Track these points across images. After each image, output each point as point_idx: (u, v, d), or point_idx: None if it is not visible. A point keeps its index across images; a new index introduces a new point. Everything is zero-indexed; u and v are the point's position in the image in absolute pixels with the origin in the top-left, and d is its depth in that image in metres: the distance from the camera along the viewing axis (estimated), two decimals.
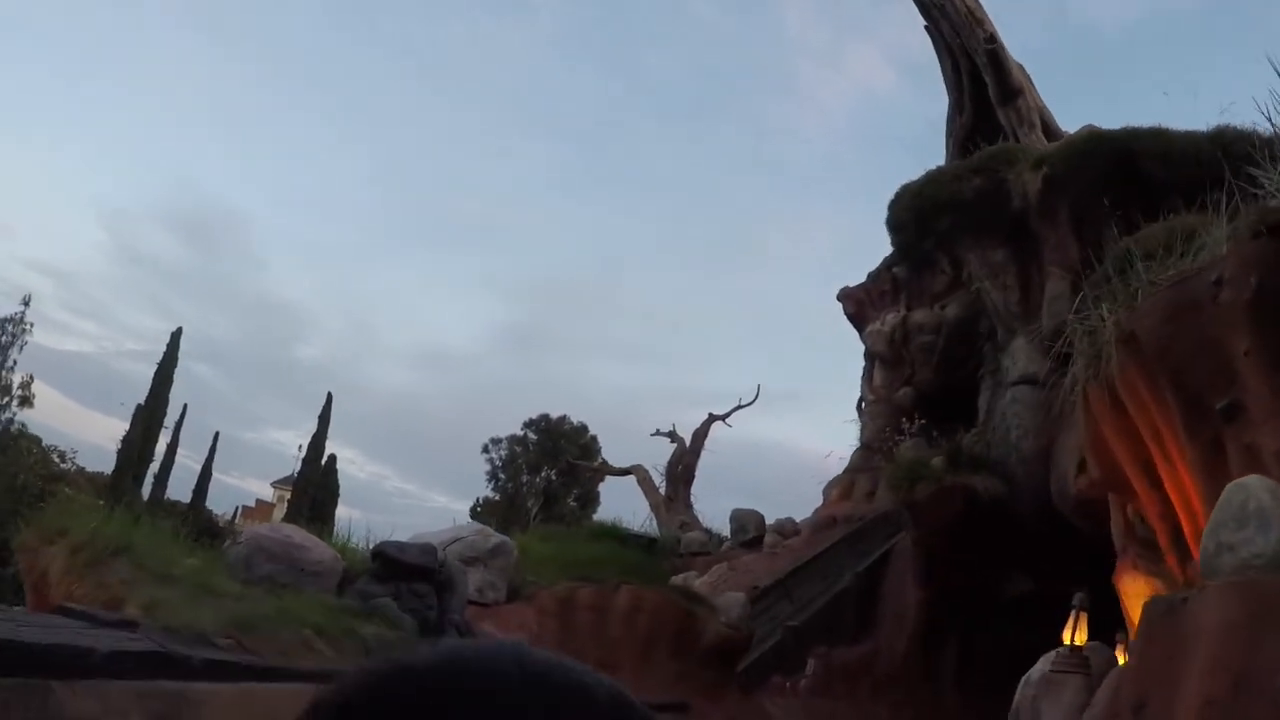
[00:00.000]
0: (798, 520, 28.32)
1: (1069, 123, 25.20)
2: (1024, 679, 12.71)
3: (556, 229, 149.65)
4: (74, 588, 10.43)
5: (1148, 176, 18.74)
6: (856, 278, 29.90)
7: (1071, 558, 19.39)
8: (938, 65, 27.74)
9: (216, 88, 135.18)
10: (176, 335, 47.77)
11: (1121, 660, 12.80)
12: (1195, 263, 13.23)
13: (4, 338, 44.45)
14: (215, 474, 50.41)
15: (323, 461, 49.19)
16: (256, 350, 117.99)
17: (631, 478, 33.79)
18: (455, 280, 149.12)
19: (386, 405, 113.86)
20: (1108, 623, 18.88)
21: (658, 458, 33.02)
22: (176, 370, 47.15)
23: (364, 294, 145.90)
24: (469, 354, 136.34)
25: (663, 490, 32.19)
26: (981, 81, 25.82)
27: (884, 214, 23.59)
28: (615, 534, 28.07)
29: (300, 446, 49.88)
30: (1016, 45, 26.10)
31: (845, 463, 29.08)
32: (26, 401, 45.04)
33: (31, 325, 45.38)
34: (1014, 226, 20.94)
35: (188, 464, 50.66)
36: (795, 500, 32.84)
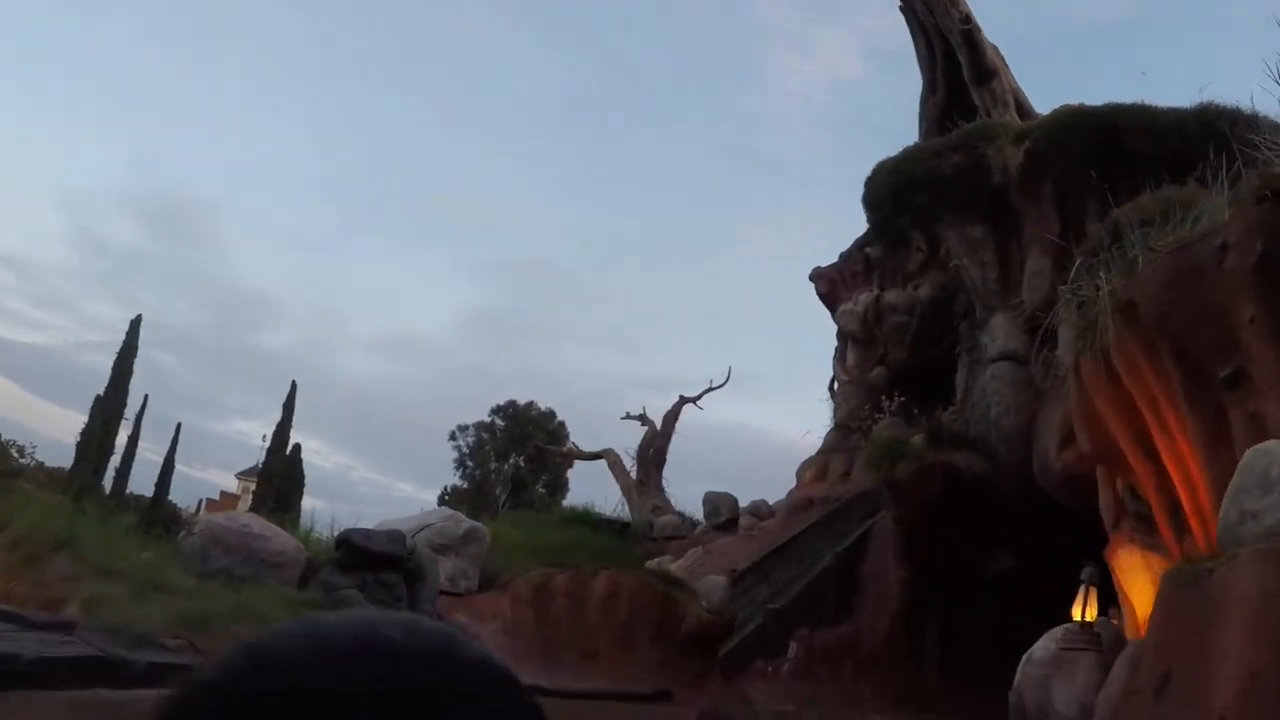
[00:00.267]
0: (771, 503, 27.52)
1: (1043, 105, 24.46)
2: (1025, 658, 11.93)
3: (526, 214, 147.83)
4: (12, 585, 9.39)
5: (1132, 151, 18.05)
6: (828, 261, 29.15)
7: (1054, 534, 18.73)
8: (908, 51, 26.99)
9: (179, 70, 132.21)
10: (136, 323, 45.84)
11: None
12: (1196, 229, 12.53)
13: None
14: (178, 466, 48.57)
15: (288, 451, 47.80)
16: (221, 339, 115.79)
17: (601, 462, 32.88)
18: (423, 266, 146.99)
19: (353, 394, 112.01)
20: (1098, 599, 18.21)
21: (628, 442, 32.17)
22: (138, 360, 45.49)
23: (331, 280, 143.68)
24: (436, 341, 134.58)
25: (634, 474, 31.29)
26: (956, 62, 25.04)
27: (855, 200, 22.80)
28: (587, 519, 27.19)
29: (265, 436, 48.44)
30: (991, 27, 25.24)
31: (819, 444, 28.29)
32: None
33: None
34: (993, 202, 20.19)
35: (150, 457, 49.13)
36: (767, 484, 32.12)
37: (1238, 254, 11.58)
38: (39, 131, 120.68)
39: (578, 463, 38.60)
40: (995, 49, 25.11)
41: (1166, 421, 12.92)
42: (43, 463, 46.81)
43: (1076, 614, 11.34)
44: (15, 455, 45.93)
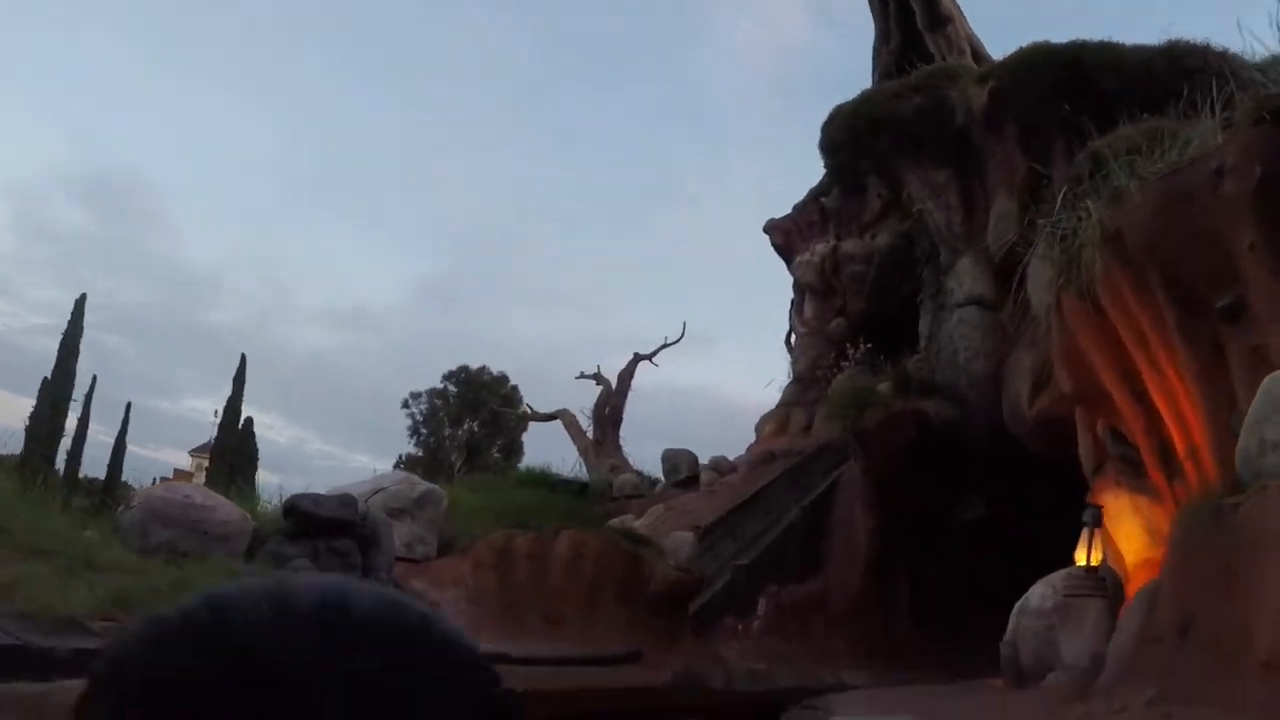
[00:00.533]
0: (732, 459, 26.67)
1: (998, 52, 23.57)
2: (1018, 608, 11.15)
3: (472, 180, 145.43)
4: None
5: (1099, 89, 17.31)
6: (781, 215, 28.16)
7: (1025, 481, 18.11)
8: (858, 6, 25.99)
9: (112, 49, 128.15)
10: (80, 302, 44.11)
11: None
12: (1187, 156, 11.72)
13: None
14: (131, 446, 47.06)
15: (240, 425, 46.39)
16: (170, 318, 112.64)
17: (557, 425, 31.81)
18: (371, 237, 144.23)
19: (304, 367, 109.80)
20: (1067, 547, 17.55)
21: (583, 403, 31.10)
22: (88, 343, 43.60)
23: (278, 255, 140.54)
24: (387, 310, 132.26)
25: (590, 434, 30.26)
26: (909, 9, 24.10)
27: (805, 157, 21.91)
28: (545, 480, 26.18)
29: (216, 412, 46.91)
30: None
31: (778, 398, 27.47)
32: None
33: None
34: (956, 145, 19.37)
35: (103, 439, 47.43)
36: (724, 443, 31.11)
37: (1235, 178, 10.86)
38: None
39: (533, 426, 37.55)
40: None
41: (1156, 358, 12.19)
42: None
43: (1080, 558, 10.53)
44: None
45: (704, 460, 27.47)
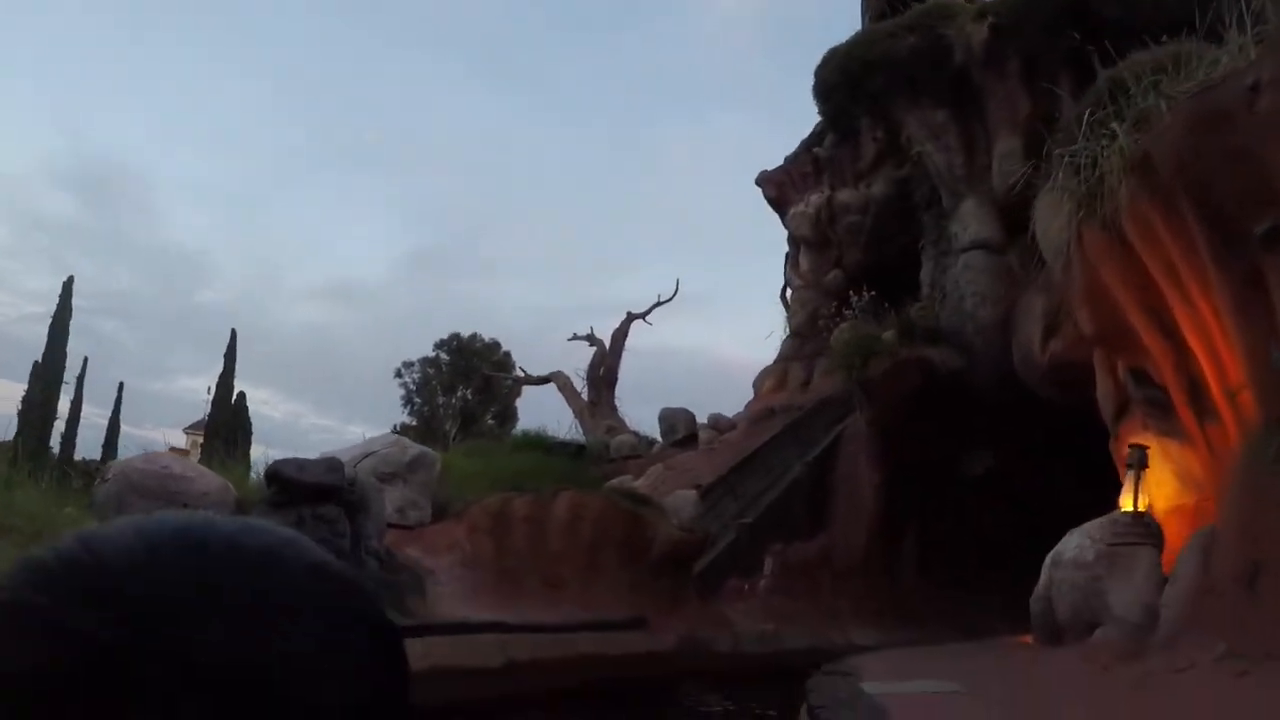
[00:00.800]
0: (730, 416, 25.78)
1: None
2: (1051, 560, 10.25)
3: (458, 148, 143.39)
4: None
5: (1102, 20, 16.25)
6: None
7: (1034, 430, 17.19)
8: None
9: (95, 38, 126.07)
10: (69, 285, 43.03)
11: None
12: (1217, 73, 10.75)
13: None
14: (126, 427, 46.07)
15: (233, 400, 45.39)
16: (160, 300, 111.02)
17: (551, 389, 30.87)
18: (358, 209, 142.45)
19: (297, 343, 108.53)
20: (1078, 498, 16.70)
21: (577, 366, 30.14)
22: (80, 327, 42.50)
23: (265, 232, 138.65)
24: (376, 282, 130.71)
25: (585, 396, 29.33)
26: None
27: (791, 113, 20.88)
28: (541, 443, 25.26)
29: (209, 388, 45.87)
30: None
31: (775, 354, 26.56)
32: None
33: None
34: (955, 84, 18.35)
35: (97, 421, 46.34)
36: (719, 403, 30.31)
37: (1273, 93, 9.85)
38: None
39: (526, 391, 36.69)
40: None
41: (1188, 291, 11.26)
42: None
43: (1126, 502, 9.59)
44: None
45: (702, 419, 26.59)
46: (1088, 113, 11.61)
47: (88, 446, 43.19)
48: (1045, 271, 16.27)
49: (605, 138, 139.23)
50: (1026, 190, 16.78)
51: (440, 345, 44.10)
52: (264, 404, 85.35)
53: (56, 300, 42.55)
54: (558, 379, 29.65)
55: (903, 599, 17.82)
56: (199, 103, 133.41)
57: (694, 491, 17.51)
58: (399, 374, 43.99)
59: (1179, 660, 7.03)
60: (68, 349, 43.11)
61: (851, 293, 19.39)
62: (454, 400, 44.07)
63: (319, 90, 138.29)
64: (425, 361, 44.21)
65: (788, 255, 26.85)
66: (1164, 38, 13.40)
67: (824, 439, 20.24)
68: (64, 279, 43.17)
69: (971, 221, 18.00)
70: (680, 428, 26.42)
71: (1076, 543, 9.77)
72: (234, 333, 46.09)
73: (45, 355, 42.09)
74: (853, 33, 22.43)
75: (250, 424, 46.08)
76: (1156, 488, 11.92)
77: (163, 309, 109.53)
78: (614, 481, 20.96)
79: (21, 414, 40.67)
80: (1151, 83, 11.33)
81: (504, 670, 11.73)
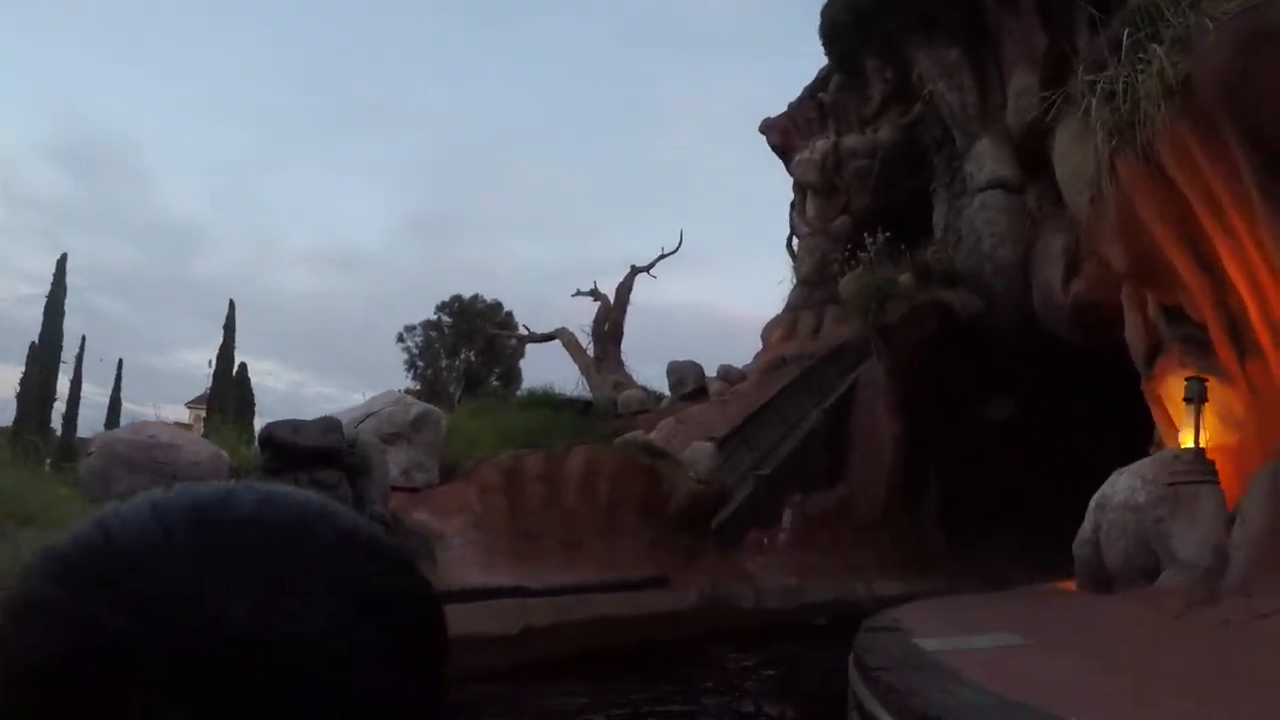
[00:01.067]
0: (740, 367, 25.08)
1: None
2: (1095, 503, 9.63)
3: (457, 108, 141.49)
4: None
5: None
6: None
7: (1054, 373, 16.54)
8: None
9: (82, 10, 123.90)
10: (62, 262, 42.12)
11: None
12: None
13: None
14: (127, 404, 45.49)
15: (234, 372, 44.68)
16: (157, 273, 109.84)
17: (554, 347, 30.12)
18: (355, 173, 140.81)
19: (298, 312, 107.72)
20: (1101, 442, 16.08)
21: (581, 323, 29.35)
22: (77, 306, 41.74)
23: (263, 201, 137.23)
24: (376, 247, 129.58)
25: (590, 352, 28.60)
26: None
27: (790, 64, 19.92)
28: (548, 401, 24.46)
29: (210, 361, 45.12)
30: None
31: (782, 305, 25.84)
32: None
33: None
34: (969, 22, 17.45)
35: (98, 400, 45.72)
36: (725, 357, 29.32)
37: None
38: None
39: (530, 351, 35.96)
40: None
41: (1230, 222, 10.57)
42: None
43: (1187, 439, 8.92)
44: None
45: (709, 372, 25.89)
46: (1127, 33, 10.76)
47: (90, 426, 42.50)
48: (1065, 210, 15.58)
49: (606, 93, 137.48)
50: (1044, 127, 16.04)
51: (442, 308, 43.36)
52: (267, 375, 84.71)
53: (51, 279, 41.78)
54: (562, 335, 28.91)
55: (924, 549, 17.26)
56: (191, 71, 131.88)
57: (711, 443, 16.90)
58: (401, 338, 43.28)
59: (1259, 605, 6.42)
60: (64, 328, 42.38)
61: (866, 235, 18.58)
62: (457, 363, 43.39)
63: (312, 53, 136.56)
64: (427, 325, 43.48)
65: (793, 203, 26.05)
66: None
67: (839, 386, 19.57)
68: (58, 257, 42.28)
69: (987, 161, 17.23)
70: (689, 381, 25.71)
71: (1127, 484, 9.12)
72: (232, 304, 45.37)
73: (42, 335, 41.34)
74: None
75: (253, 395, 45.45)
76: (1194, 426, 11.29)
77: (161, 283, 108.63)
78: (626, 436, 20.32)
79: (20, 396, 39.97)
80: (1191, 2, 10.53)
81: (522, 636, 11.16)
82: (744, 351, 26.40)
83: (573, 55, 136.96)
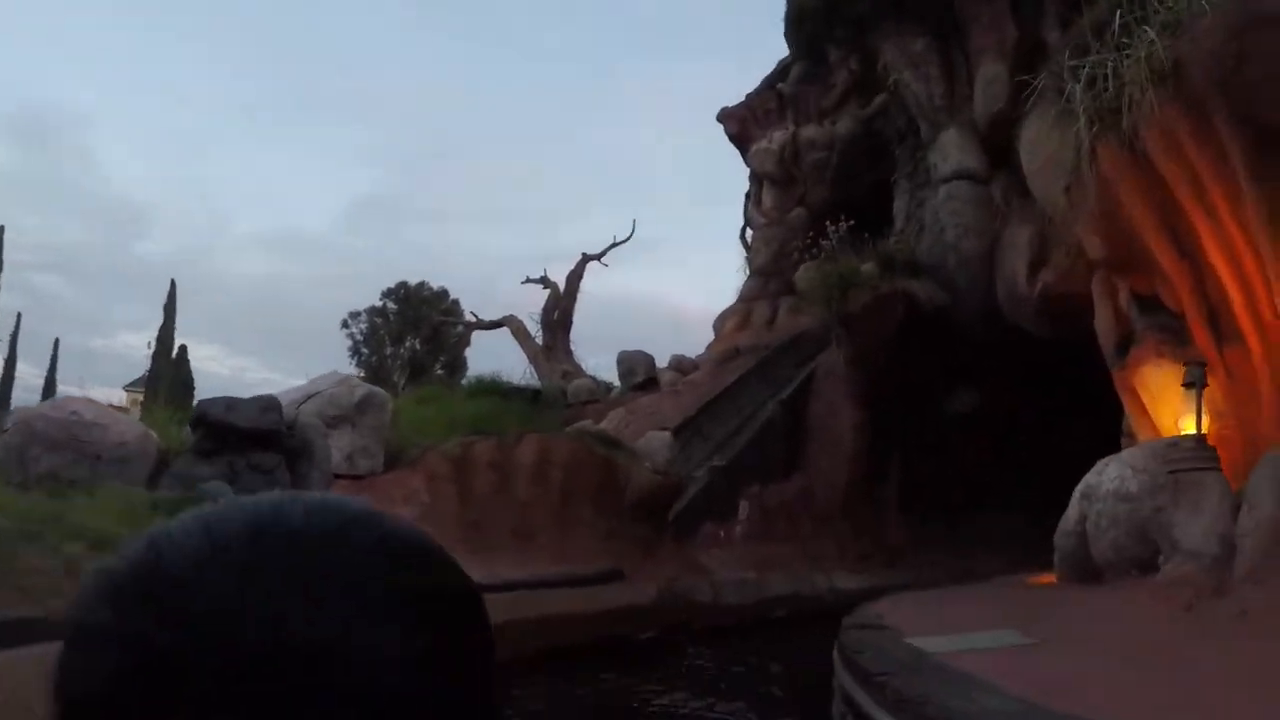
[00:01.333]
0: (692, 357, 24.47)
1: None
2: (1080, 493, 9.21)
3: (408, 92, 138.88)
4: None
5: None
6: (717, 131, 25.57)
7: (1018, 365, 16.13)
8: None
9: None
10: None
11: None
12: None
13: None
14: (62, 386, 43.64)
15: (173, 354, 43.10)
16: (101, 252, 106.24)
17: (501, 336, 29.28)
18: (304, 155, 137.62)
19: (242, 295, 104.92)
20: (1068, 434, 15.75)
21: (531, 311, 28.51)
22: (10, 280, 39.93)
23: (210, 181, 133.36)
24: (323, 231, 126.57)
25: (539, 340, 27.79)
26: None
27: (747, 61, 19.26)
28: (497, 389, 23.64)
29: (149, 343, 43.45)
30: None
31: (735, 296, 25.25)
32: None
33: None
34: (938, 11, 16.99)
35: (33, 381, 43.97)
36: (675, 350, 28.59)
37: None
38: None
39: (476, 341, 35.14)
40: None
41: (1215, 208, 10.19)
42: None
43: (1189, 425, 8.46)
44: None
45: (661, 363, 25.24)
46: (1119, 15, 10.30)
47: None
48: (1032, 201, 15.20)
49: (562, 80, 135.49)
50: (1012, 117, 15.65)
51: (388, 294, 42.23)
52: (209, 360, 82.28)
53: None
54: (510, 323, 28.10)
55: (885, 540, 16.82)
56: (140, 47, 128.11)
57: (666, 433, 16.26)
58: (346, 324, 42.06)
59: (1278, 593, 5.93)
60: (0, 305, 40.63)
61: (828, 223, 18.01)
62: (402, 350, 42.33)
63: (264, 33, 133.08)
64: (372, 311, 42.32)
65: (749, 193, 25.50)
66: None
67: (796, 377, 19.04)
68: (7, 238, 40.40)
69: (953, 151, 16.78)
70: (640, 371, 25.05)
71: (1116, 473, 8.66)
72: (173, 284, 43.76)
73: None
74: None
75: (193, 379, 43.87)
76: (1171, 416, 10.97)
77: (104, 261, 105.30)
78: (577, 425, 19.61)
79: None
80: None
81: None
82: (694, 344, 25.86)
83: (530, 42, 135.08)
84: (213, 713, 0.48)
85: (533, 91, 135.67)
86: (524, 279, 28.74)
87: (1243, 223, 9.93)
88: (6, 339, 41.68)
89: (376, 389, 14.66)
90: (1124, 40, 10.49)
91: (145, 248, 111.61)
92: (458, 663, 0.54)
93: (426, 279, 42.53)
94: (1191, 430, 8.42)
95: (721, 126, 25.16)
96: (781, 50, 23.66)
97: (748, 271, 25.27)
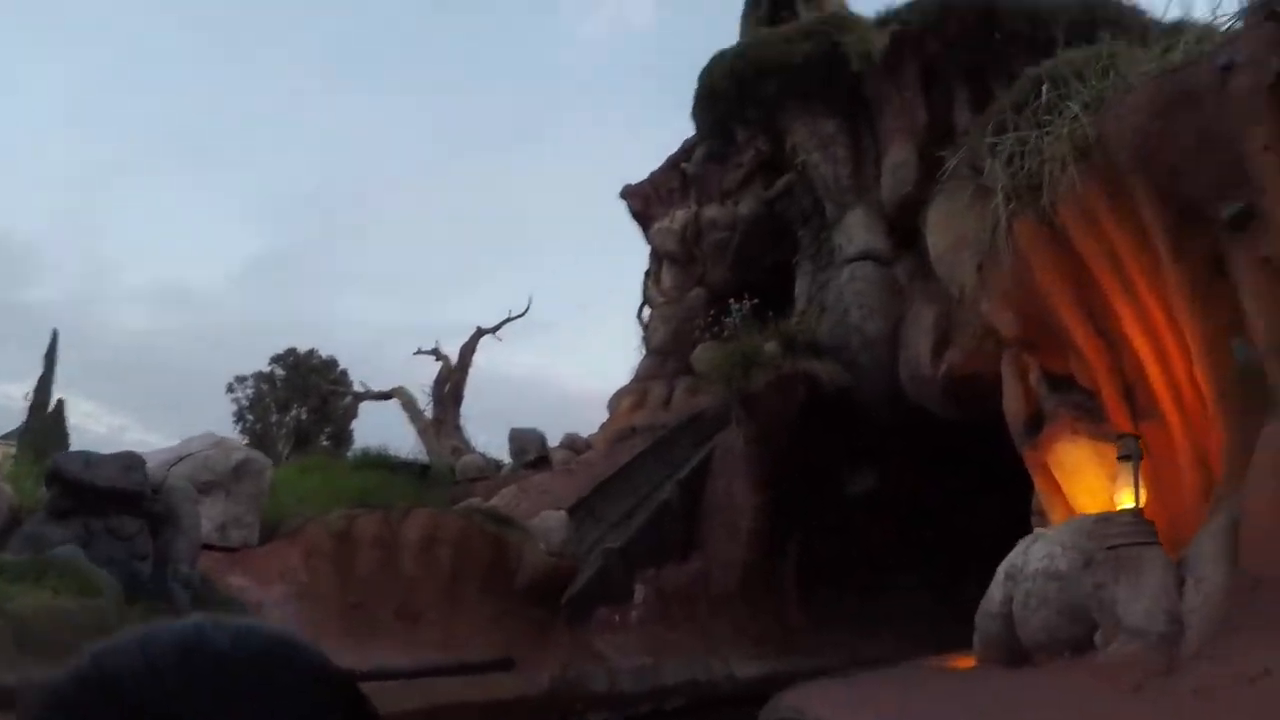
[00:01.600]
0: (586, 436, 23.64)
1: None
2: (1005, 573, 8.72)
3: (305, 154, 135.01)
4: None
5: (1011, 36, 15.23)
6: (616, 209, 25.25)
7: (923, 445, 15.81)
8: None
9: None
10: None
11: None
12: (1183, 57, 9.57)
13: None
14: None
15: (50, 408, 40.55)
16: None
17: (390, 410, 27.96)
18: (203, 207, 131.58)
19: (126, 351, 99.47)
20: (973, 515, 15.42)
21: (422, 383, 27.31)
22: None
23: (100, 227, 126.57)
24: (215, 288, 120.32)
25: (429, 414, 26.64)
26: None
27: (648, 137, 18.93)
28: (384, 462, 22.54)
29: (26, 395, 40.80)
30: None
31: (630, 376, 24.62)
32: None
33: None
34: (849, 93, 16.92)
35: None
36: (569, 428, 27.65)
37: (1250, 73, 8.87)
38: None
39: (363, 413, 33.78)
40: None
41: (1133, 284, 10.02)
42: None
43: (1126, 499, 7.98)
44: None
45: (553, 441, 24.34)
46: (1045, 89, 10.13)
47: None
48: (937, 283, 15.00)
49: (466, 151, 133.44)
50: (919, 200, 15.52)
51: (276, 360, 40.47)
52: (87, 417, 77.89)
53: None
54: (400, 395, 26.89)
55: (785, 624, 16.08)
56: (32, 81, 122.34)
57: (563, 513, 15.33)
58: (231, 389, 40.10)
59: (1246, 668, 5.44)
60: None
61: (732, 301, 17.55)
62: (288, 419, 40.53)
63: (168, 76, 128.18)
64: (260, 377, 40.49)
65: (648, 271, 25.06)
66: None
67: (694, 457, 18.34)
68: None
69: (859, 232, 16.54)
70: (532, 449, 24.06)
71: (1044, 551, 8.18)
72: (55, 334, 41.23)
73: None
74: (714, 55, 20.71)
75: (68, 434, 41.22)
76: (1088, 495, 10.66)
77: None
78: (466, 503, 18.53)
79: None
80: (1105, 67, 10.04)
81: None
82: (586, 423, 25.09)
83: (437, 113, 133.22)
84: None
85: (438, 161, 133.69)
86: (416, 350, 27.69)
87: (1162, 298, 9.72)
88: None
89: (255, 454, 13.46)
90: (1046, 117, 10.31)
91: (30, 293, 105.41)
92: None
93: (316, 346, 40.96)
94: (1128, 504, 7.95)
95: (625, 204, 24.78)
96: (686, 130, 23.48)
97: (644, 350, 24.74)
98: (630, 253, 26.68)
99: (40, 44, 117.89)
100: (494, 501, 19.32)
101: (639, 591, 15.32)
